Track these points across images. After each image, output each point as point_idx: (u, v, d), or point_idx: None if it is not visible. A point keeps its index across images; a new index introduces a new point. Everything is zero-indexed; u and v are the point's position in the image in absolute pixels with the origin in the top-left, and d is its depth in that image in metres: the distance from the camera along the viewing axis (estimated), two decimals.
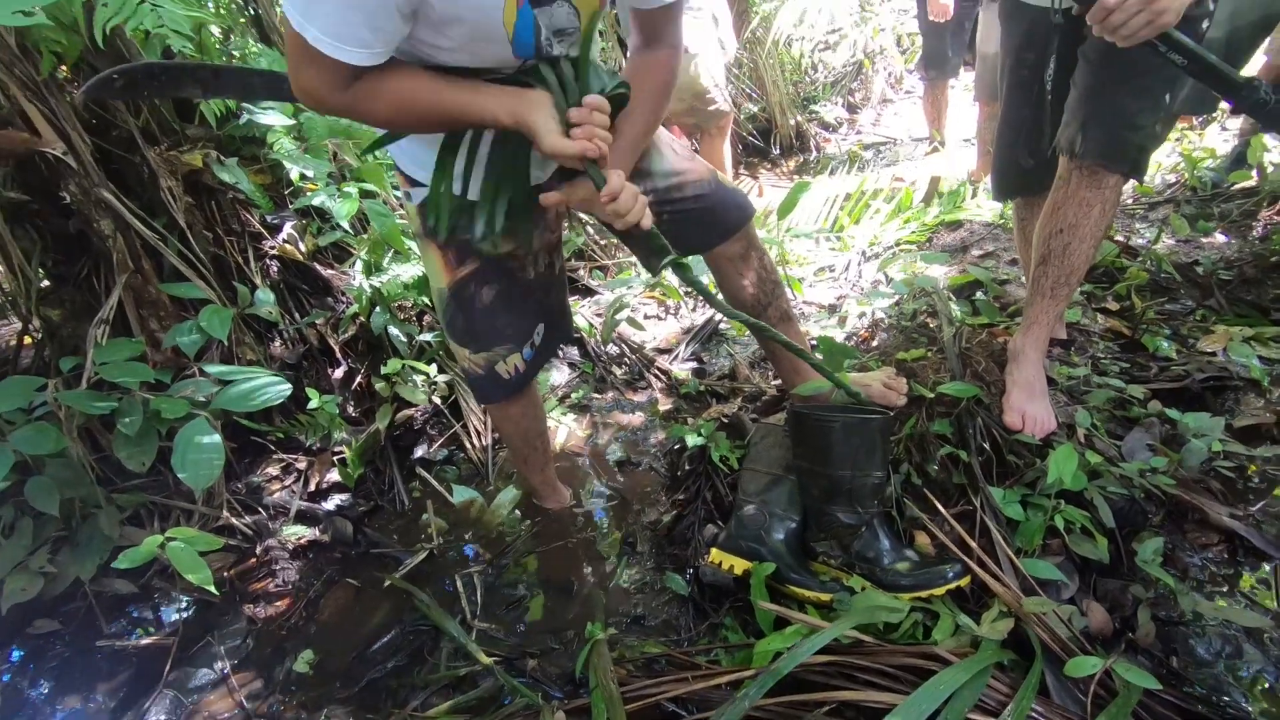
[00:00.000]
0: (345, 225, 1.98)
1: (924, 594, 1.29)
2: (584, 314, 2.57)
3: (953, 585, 1.28)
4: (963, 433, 1.52)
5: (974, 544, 1.34)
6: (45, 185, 1.78)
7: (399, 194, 1.36)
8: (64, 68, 1.83)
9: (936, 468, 1.49)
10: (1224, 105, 3.65)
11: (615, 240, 2.63)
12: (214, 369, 1.68)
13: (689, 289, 2.70)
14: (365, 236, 2.17)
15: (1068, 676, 1.11)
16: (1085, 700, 1.09)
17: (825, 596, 1.34)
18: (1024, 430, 1.50)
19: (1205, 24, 1.37)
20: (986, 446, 1.50)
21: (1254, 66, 2.75)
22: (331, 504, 1.96)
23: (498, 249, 1.33)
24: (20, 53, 1.51)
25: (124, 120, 1.85)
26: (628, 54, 1.35)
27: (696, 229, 1.47)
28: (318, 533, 1.86)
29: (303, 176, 2.11)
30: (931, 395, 1.57)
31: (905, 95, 5.50)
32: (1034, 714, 1.06)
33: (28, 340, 2.03)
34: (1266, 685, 1.19)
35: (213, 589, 1.47)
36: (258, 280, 2.10)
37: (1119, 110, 1.41)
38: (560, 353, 2.46)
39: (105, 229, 1.72)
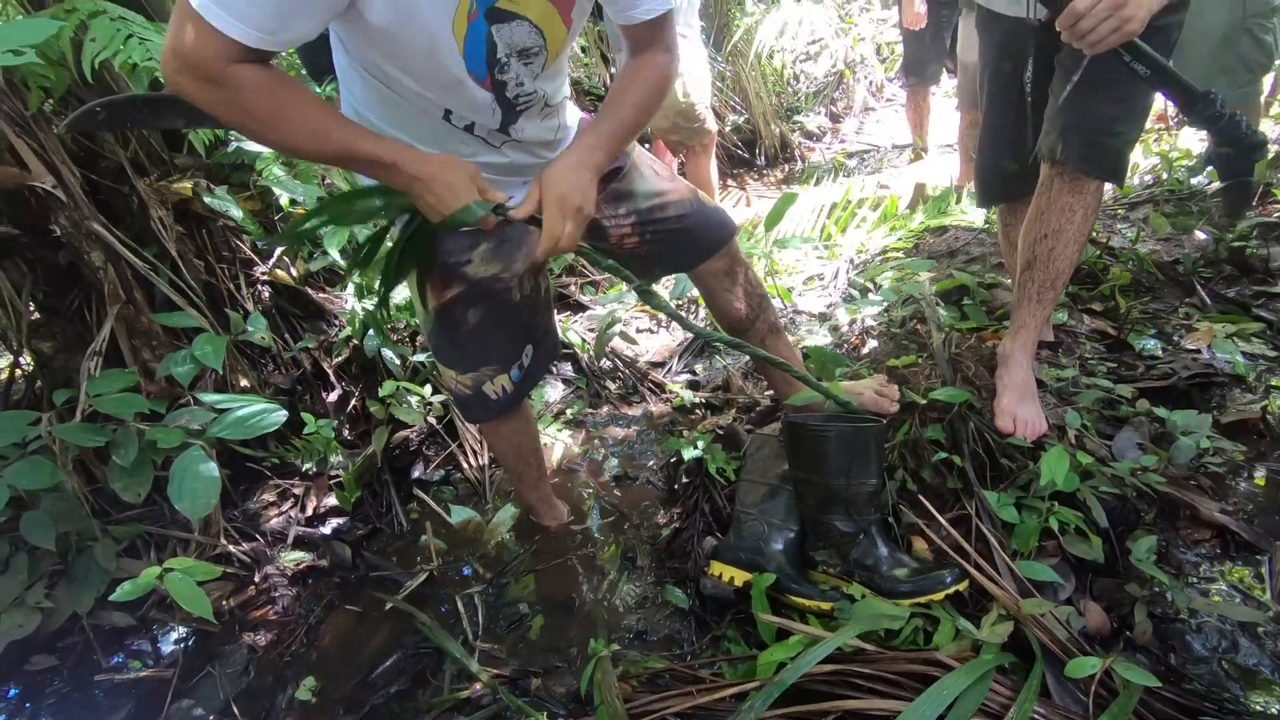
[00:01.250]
0: (335, 253, 1.98)
1: (923, 600, 1.30)
2: (576, 330, 2.58)
3: (951, 590, 1.30)
4: (955, 437, 1.54)
5: (971, 548, 1.36)
6: (35, 219, 1.78)
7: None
8: (50, 101, 1.84)
9: (931, 473, 1.51)
10: None
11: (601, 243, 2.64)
12: (209, 397, 1.68)
13: (681, 300, 2.72)
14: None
15: (1068, 677, 1.12)
16: (1086, 700, 1.10)
17: (826, 605, 1.34)
18: (1015, 433, 1.52)
19: (1175, 34, 1.41)
20: (979, 451, 1.52)
21: None
22: (329, 528, 1.95)
23: (483, 271, 1.33)
24: (8, 88, 1.51)
25: (113, 151, 1.85)
26: (618, 63, 1.37)
27: (680, 248, 1.49)
28: (316, 558, 1.85)
29: (292, 202, 2.12)
30: (923, 401, 1.59)
31: (887, 103, 5.57)
32: (1036, 716, 1.07)
33: (20, 373, 2.02)
34: (1264, 678, 1.21)
35: (212, 619, 1.46)
36: (250, 306, 2.10)
37: (1097, 117, 1.44)
38: (554, 369, 2.47)
39: (96, 260, 1.72)
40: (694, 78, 3.09)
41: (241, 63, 0.90)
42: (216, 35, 0.87)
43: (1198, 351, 1.86)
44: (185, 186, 1.87)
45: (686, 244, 1.49)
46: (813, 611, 1.36)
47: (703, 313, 2.68)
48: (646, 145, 3.21)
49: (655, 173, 1.45)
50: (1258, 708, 1.16)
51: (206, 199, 1.87)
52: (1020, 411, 1.55)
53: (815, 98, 5.32)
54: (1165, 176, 2.94)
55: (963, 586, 1.31)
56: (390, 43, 0.98)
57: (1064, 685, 1.14)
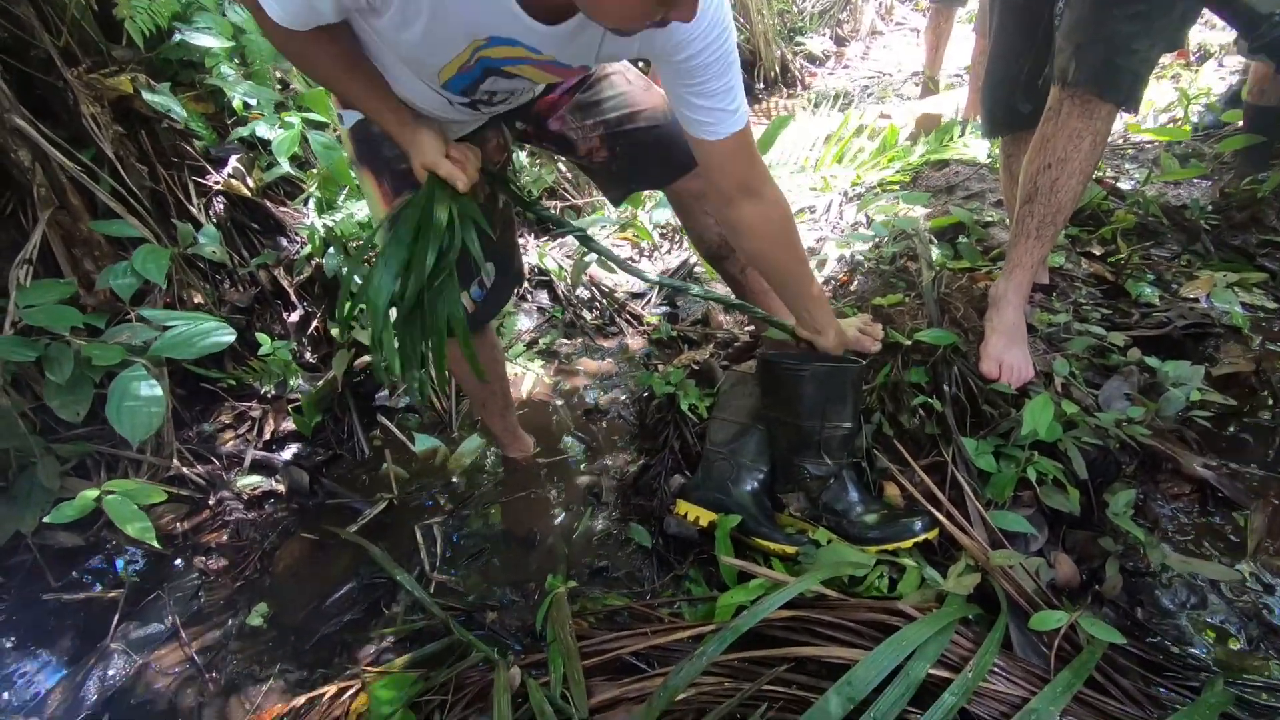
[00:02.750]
0: (285, 163, 1.84)
1: (891, 547, 1.25)
2: (554, 256, 2.47)
3: (920, 538, 1.25)
4: (938, 381, 1.47)
5: (943, 496, 1.31)
6: None
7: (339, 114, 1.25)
8: None
9: (909, 418, 1.44)
10: (1221, 41, 3.52)
11: (587, 178, 2.51)
12: (151, 313, 1.58)
13: (665, 228, 2.60)
14: (316, 171, 2.03)
15: (1032, 630, 1.09)
16: (1049, 654, 1.07)
17: (790, 549, 1.30)
18: (1001, 379, 1.45)
19: None
20: (961, 396, 1.45)
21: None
22: (288, 453, 1.89)
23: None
24: None
25: (40, 38, 1.68)
26: (714, 217, 1.37)
27: (652, 162, 1.39)
28: (274, 483, 1.80)
29: (245, 105, 1.96)
30: (908, 343, 1.51)
31: (896, 27, 5.28)
32: (996, 668, 1.04)
33: None
34: (1229, 635, 1.19)
35: (154, 542, 1.41)
36: (202, 218, 1.97)
37: (1113, 35, 1.32)
38: (528, 297, 2.37)
39: (24, 160, 1.59)
40: None
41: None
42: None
43: (1196, 300, 1.78)
44: (124, 82, 1.71)
45: (659, 157, 1.38)
46: (777, 555, 1.32)
47: (664, 255, 2.57)
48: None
49: (628, 81, 1.33)
50: (1214, 663, 1.14)
51: (147, 96, 1.71)
52: (1007, 357, 1.48)
53: (820, 18, 5.03)
54: (1181, 115, 2.80)
55: (932, 535, 1.27)
56: (382, 40, 1.02)
57: (1027, 638, 1.11)
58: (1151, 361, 1.52)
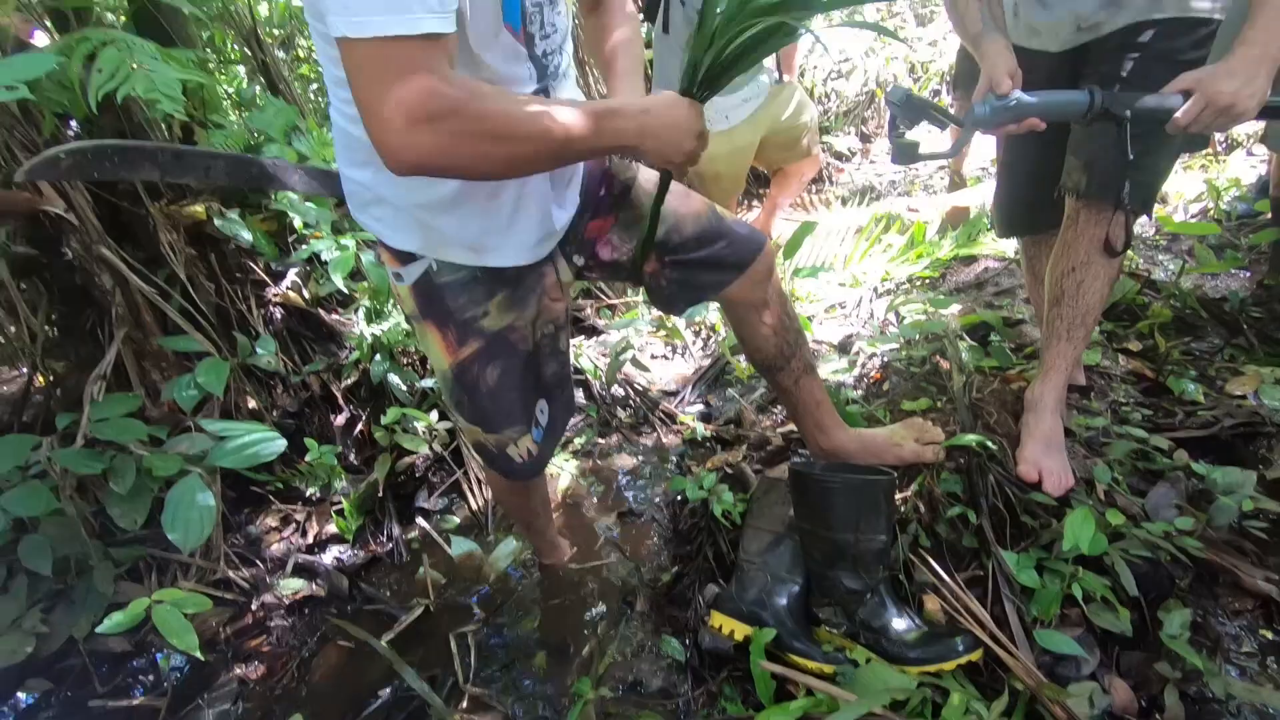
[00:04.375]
0: (339, 280, 1.97)
1: (933, 669, 1.21)
2: (589, 355, 2.54)
3: (964, 659, 1.21)
4: (973, 490, 1.45)
5: (986, 613, 1.27)
6: (52, 241, 1.80)
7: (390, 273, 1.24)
8: (74, 124, 1.87)
9: (946, 528, 1.42)
10: (1249, 131, 3.54)
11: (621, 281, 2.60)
12: (210, 424, 1.67)
13: (697, 326, 2.66)
14: (366, 284, 2.17)
15: None
16: None
17: (828, 669, 1.27)
18: (1041, 485, 1.43)
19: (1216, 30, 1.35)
20: (999, 505, 1.43)
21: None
22: (329, 556, 1.93)
23: (499, 323, 1.23)
24: (21, 115, 1.53)
25: None
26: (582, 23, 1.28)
27: (706, 269, 1.35)
28: (314, 587, 1.83)
29: (306, 224, 2.12)
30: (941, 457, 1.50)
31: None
32: None
33: (35, 390, 2.05)
34: None
35: (199, 653, 1.43)
36: (260, 328, 2.10)
37: (1123, 149, 1.36)
38: None
39: (105, 283, 1.73)
40: (805, 101, 3.07)
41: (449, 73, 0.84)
42: (414, 47, 0.79)
43: (1243, 398, 1.74)
44: (198, 210, 1.87)
45: (712, 263, 1.34)
46: (814, 674, 1.28)
47: (722, 335, 2.62)
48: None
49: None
50: None
51: (218, 222, 1.87)
52: (1046, 461, 1.45)
53: (846, 117, 5.22)
54: (1212, 206, 2.80)
55: (976, 655, 1.22)
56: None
57: None
58: (1199, 468, 1.48)
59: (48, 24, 1.83)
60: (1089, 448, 1.57)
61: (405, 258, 1.17)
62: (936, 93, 5.31)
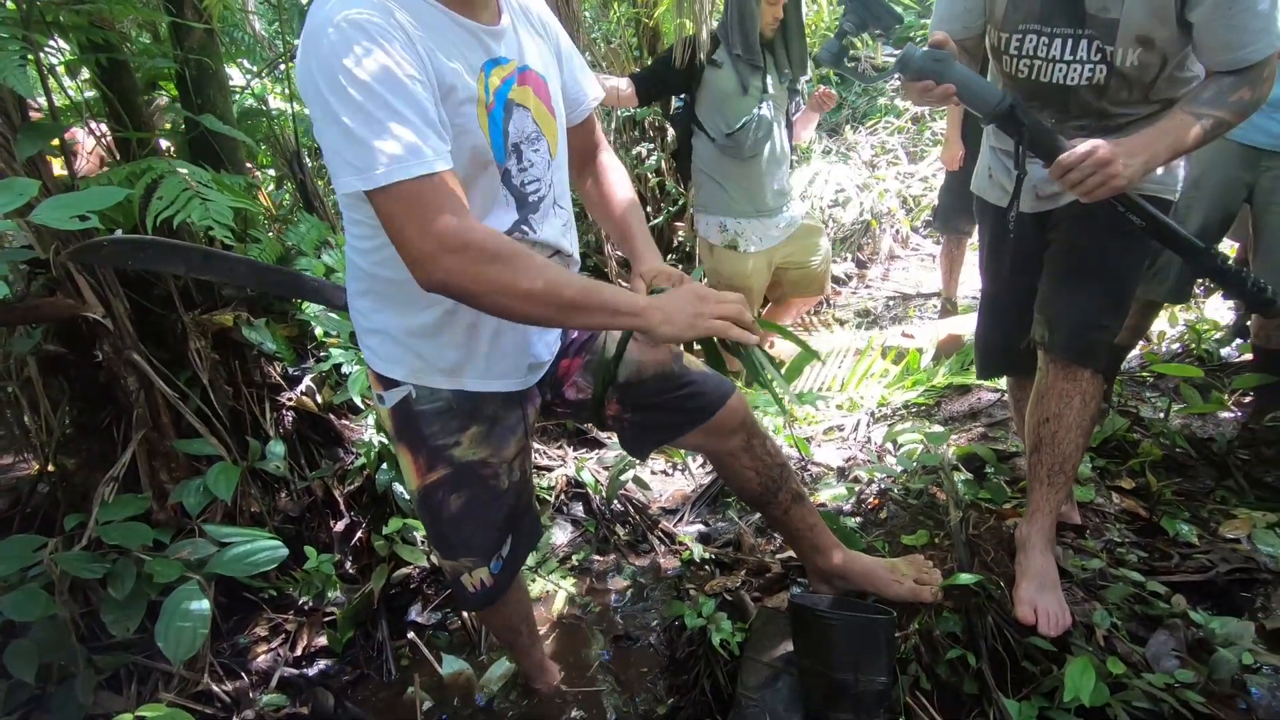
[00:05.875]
0: (355, 395, 2.04)
1: None
2: (590, 469, 2.57)
3: None
4: (973, 632, 1.45)
5: None
6: (82, 341, 1.88)
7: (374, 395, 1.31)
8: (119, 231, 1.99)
9: (946, 670, 1.41)
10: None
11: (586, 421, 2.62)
12: (214, 529, 1.68)
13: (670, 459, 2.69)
14: None
15: None
16: None
17: None
18: (1038, 625, 1.43)
19: (1171, 210, 1.44)
20: (999, 649, 1.42)
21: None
22: (316, 670, 1.88)
23: (471, 455, 1.27)
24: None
25: (166, 282, 1.98)
26: (574, 182, 1.40)
27: (666, 412, 1.39)
28: (297, 704, 1.77)
29: (326, 334, 2.21)
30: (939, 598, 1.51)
31: (913, 252, 5.73)
32: None
33: (41, 485, 2.06)
34: None
35: None
36: (272, 431, 2.14)
37: (1083, 311, 1.45)
38: (564, 509, 2.44)
39: (131, 385, 1.79)
40: (828, 247, 3.34)
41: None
42: (433, 185, 0.94)
43: (1237, 541, 1.76)
44: (226, 318, 1.96)
45: (674, 406, 1.38)
46: None
47: (696, 470, 2.66)
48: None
49: (631, 339, 1.37)
50: None
51: (245, 331, 1.95)
52: (1041, 601, 1.46)
53: (842, 244, 5.50)
54: (1193, 346, 2.92)
55: None
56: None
57: None
58: (1197, 616, 1.48)
59: (110, 147, 2.00)
60: (1086, 589, 1.58)
61: (389, 383, 1.25)
62: (929, 223, 5.61)
